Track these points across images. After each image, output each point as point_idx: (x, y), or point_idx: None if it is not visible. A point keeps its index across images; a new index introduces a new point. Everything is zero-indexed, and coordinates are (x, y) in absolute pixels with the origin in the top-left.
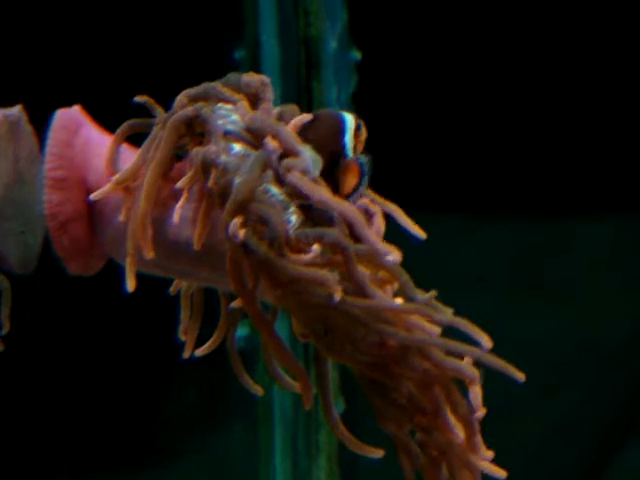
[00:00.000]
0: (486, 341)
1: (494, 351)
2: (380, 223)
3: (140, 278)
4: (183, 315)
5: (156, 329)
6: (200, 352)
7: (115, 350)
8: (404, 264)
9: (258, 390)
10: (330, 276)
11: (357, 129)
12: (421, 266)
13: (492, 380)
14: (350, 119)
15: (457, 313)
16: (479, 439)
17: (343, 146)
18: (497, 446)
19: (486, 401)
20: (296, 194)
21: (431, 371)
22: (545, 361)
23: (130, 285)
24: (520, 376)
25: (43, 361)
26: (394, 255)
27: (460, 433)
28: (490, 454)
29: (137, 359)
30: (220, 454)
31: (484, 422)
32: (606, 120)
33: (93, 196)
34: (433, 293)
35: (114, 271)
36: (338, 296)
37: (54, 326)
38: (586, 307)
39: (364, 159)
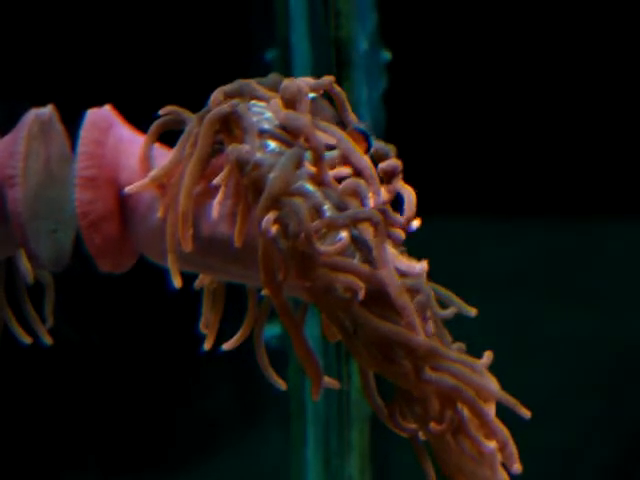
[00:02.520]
0: (494, 387)
1: (529, 354)
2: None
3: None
4: (205, 309)
5: (190, 326)
6: (227, 346)
7: (148, 347)
8: (441, 266)
9: (282, 384)
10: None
11: None
12: (456, 268)
13: (526, 380)
14: None
15: (491, 314)
16: (512, 448)
17: None
18: (531, 446)
19: (519, 402)
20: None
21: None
22: (579, 362)
23: (177, 282)
24: (526, 413)
25: (76, 357)
26: (419, 266)
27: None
28: (518, 467)
29: (170, 356)
30: (252, 451)
31: (517, 424)
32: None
33: (128, 189)
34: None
35: (152, 268)
36: (362, 294)
37: (89, 321)
38: (620, 309)
39: (362, 124)
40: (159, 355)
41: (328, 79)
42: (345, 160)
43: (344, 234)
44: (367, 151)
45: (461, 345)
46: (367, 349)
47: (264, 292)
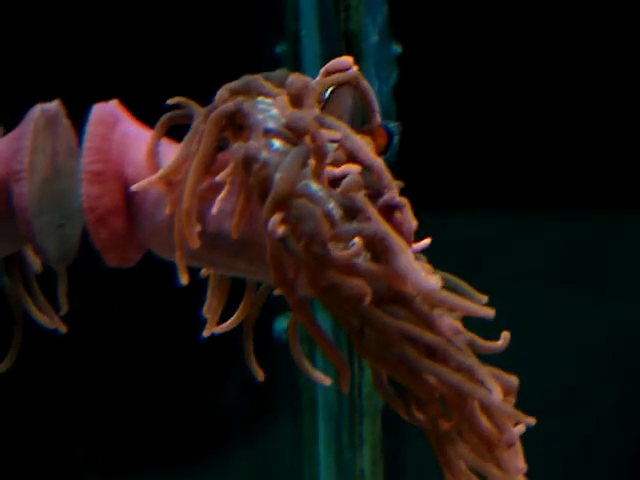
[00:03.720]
0: (495, 397)
1: (549, 342)
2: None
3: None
4: (209, 294)
5: (201, 322)
6: (219, 329)
7: (159, 343)
8: (454, 259)
9: (260, 375)
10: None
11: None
12: (475, 262)
13: (541, 372)
14: None
15: (508, 308)
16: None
17: None
18: (544, 438)
19: (536, 393)
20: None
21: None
22: (595, 354)
23: (184, 279)
24: (531, 420)
25: (87, 351)
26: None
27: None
28: (523, 466)
29: (181, 352)
30: (264, 446)
31: (531, 413)
32: None
33: (136, 186)
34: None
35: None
36: (368, 299)
37: (98, 314)
38: (636, 302)
39: (393, 124)
40: (169, 351)
41: (354, 74)
42: (351, 157)
43: (356, 239)
44: (386, 150)
45: (473, 337)
46: (375, 347)
47: (276, 292)
